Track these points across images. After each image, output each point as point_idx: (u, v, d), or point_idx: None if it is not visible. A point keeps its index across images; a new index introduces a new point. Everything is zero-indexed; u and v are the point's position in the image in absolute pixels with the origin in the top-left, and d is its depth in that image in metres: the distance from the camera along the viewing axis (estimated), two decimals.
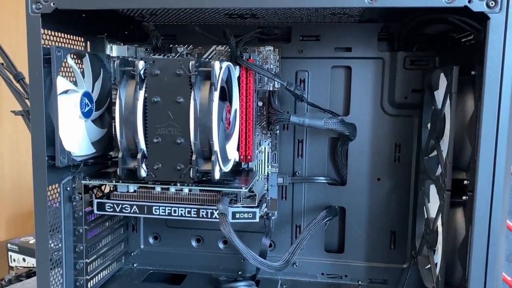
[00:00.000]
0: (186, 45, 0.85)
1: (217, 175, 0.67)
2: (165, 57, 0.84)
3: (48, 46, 0.67)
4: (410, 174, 0.84)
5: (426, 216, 0.75)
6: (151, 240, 0.94)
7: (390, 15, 0.75)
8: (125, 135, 0.68)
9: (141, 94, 0.67)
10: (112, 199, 0.76)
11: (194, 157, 0.67)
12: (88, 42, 0.81)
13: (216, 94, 0.66)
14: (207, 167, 0.68)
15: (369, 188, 0.86)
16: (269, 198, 0.85)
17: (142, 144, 0.68)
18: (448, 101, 0.66)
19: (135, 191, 0.76)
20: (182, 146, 0.67)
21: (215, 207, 0.72)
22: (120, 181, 0.74)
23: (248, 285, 0.82)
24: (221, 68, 0.67)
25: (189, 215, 0.74)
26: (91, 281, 0.80)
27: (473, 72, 0.62)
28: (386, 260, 0.87)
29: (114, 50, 0.85)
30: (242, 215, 0.73)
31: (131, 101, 0.67)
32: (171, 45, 0.85)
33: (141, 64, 0.67)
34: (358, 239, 0.87)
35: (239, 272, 0.91)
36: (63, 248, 0.74)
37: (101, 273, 0.84)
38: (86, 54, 0.75)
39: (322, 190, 0.87)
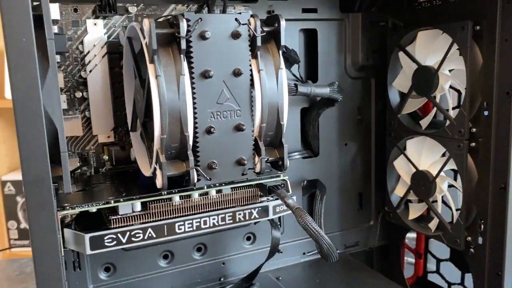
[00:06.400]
0: (135, 4, 0.63)
1: (287, 163, 0.54)
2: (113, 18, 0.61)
3: None
4: (371, 134, 0.86)
5: (414, 170, 0.79)
6: (102, 275, 0.69)
7: None
8: (168, 128, 0.46)
9: (185, 66, 0.47)
10: (114, 228, 0.52)
11: (261, 145, 0.51)
12: None
13: (282, 61, 0.52)
14: (273, 155, 0.53)
15: (338, 156, 0.84)
16: None
17: (191, 138, 0.48)
18: (449, 57, 0.70)
19: (145, 209, 0.53)
20: (244, 133, 0.50)
21: (254, 205, 0.58)
22: (122, 199, 0.52)
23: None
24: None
25: (223, 223, 0.57)
26: None
27: (477, 27, 0.67)
28: (356, 223, 0.88)
29: None
30: (282, 208, 0.61)
31: (173, 78, 0.46)
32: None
33: (184, 24, 0.46)
34: (331, 209, 0.85)
35: (221, 279, 0.77)
36: None
37: None
38: None
39: (296, 165, 0.80)
